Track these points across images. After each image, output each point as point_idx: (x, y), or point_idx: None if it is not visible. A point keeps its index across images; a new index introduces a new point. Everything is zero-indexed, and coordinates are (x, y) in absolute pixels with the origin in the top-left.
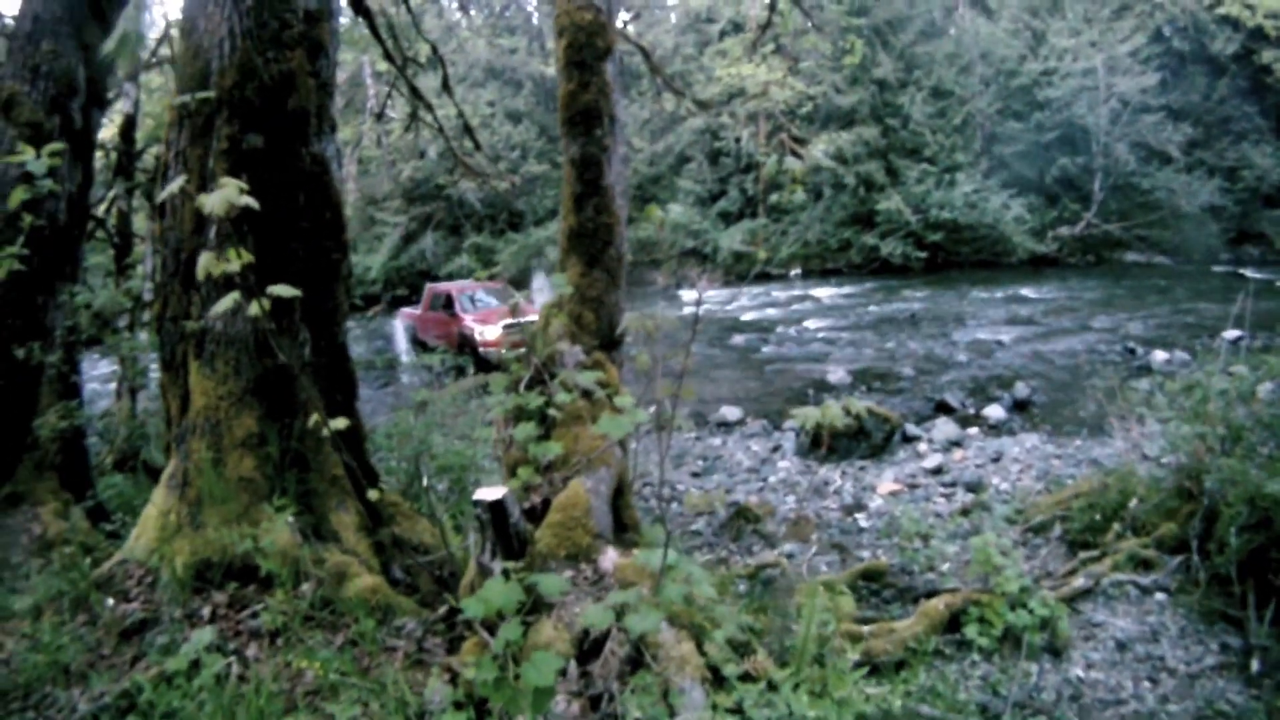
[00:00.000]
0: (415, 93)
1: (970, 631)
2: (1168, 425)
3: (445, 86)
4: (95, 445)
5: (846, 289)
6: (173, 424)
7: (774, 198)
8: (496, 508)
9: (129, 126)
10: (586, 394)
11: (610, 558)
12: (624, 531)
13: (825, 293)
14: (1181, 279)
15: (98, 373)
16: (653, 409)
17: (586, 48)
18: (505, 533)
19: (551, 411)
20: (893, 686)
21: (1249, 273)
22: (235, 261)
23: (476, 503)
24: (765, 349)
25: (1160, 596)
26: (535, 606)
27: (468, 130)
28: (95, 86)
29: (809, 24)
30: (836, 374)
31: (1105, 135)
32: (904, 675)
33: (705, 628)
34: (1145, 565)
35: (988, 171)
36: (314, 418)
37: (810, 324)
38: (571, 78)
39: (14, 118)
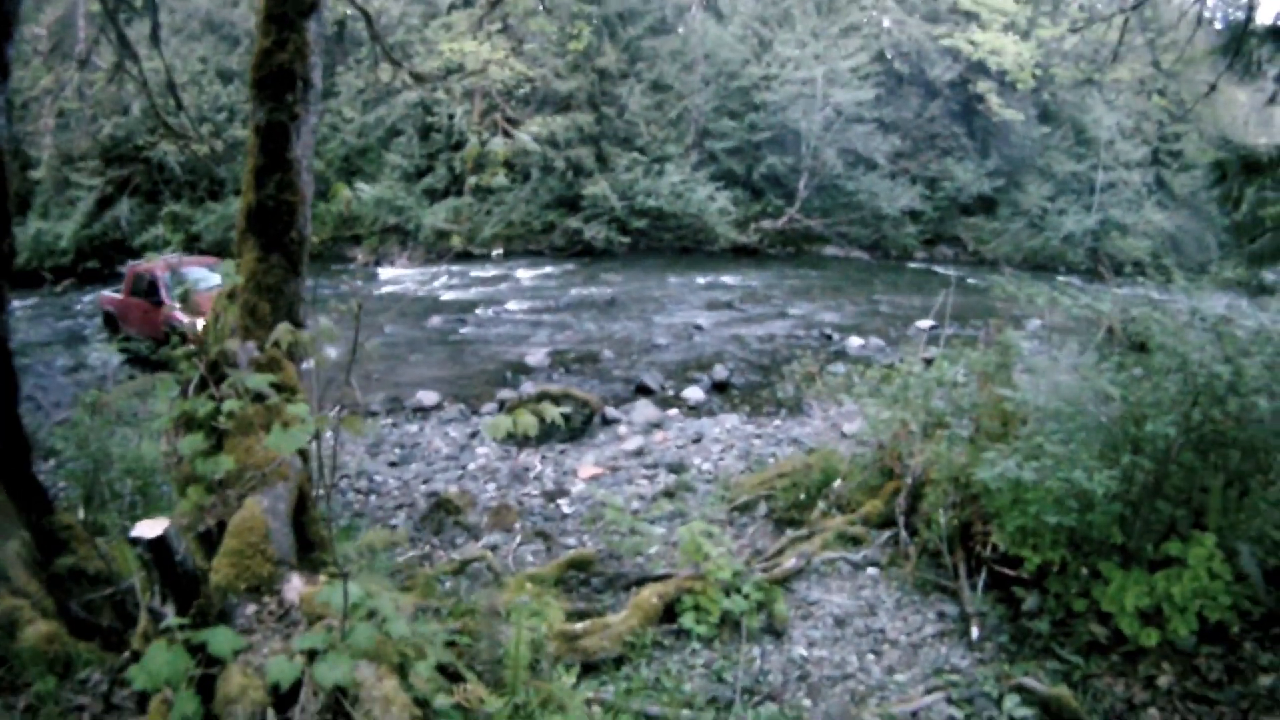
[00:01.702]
0: (123, 40)
1: (687, 620)
2: (868, 409)
3: (154, 37)
4: None
5: (548, 270)
6: None
7: (473, 179)
8: (158, 546)
9: None
10: (260, 397)
11: (295, 587)
12: (310, 551)
13: (527, 274)
14: (877, 273)
15: None
16: (334, 413)
17: (290, 1)
18: (172, 574)
19: (221, 420)
20: (615, 685)
21: (941, 270)
22: None
23: (134, 540)
24: (464, 330)
25: (872, 571)
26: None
27: (171, 88)
28: None
29: (540, 6)
30: (535, 356)
31: (816, 140)
32: (625, 671)
33: (408, 657)
34: (854, 542)
35: (698, 164)
36: None
37: (511, 305)
38: (269, 33)
39: None
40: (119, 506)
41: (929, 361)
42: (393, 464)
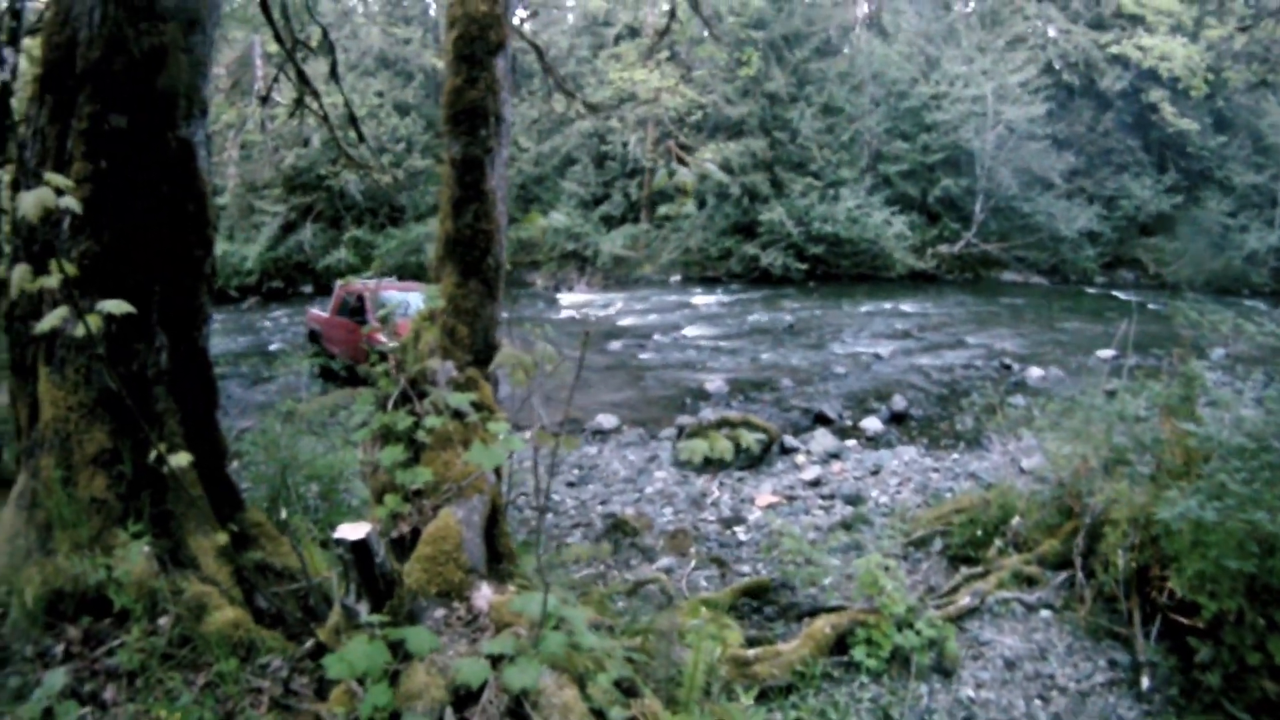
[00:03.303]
0: (302, 78)
1: (858, 653)
2: (1048, 444)
3: (333, 74)
4: None
5: (726, 297)
6: (22, 435)
7: (663, 209)
8: (359, 548)
9: (4, 95)
10: (459, 415)
11: (485, 595)
12: (499, 562)
13: (704, 300)
14: (1056, 299)
15: None
16: (528, 434)
17: (478, 41)
18: (370, 574)
19: (420, 434)
20: (783, 713)
21: (1123, 295)
22: (55, 275)
23: (338, 542)
24: (643, 355)
25: (1045, 614)
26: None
27: (352, 121)
28: None
29: (706, 33)
30: (714, 383)
31: (990, 159)
32: (793, 700)
33: (589, 669)
34: (1029, 582)
35: (872, 188)
36: (177, 455)
37: (689, 331)
38: (459, 72)
39: None
40: (300, 508)
41: (1111, 394)
42: (570, 484)
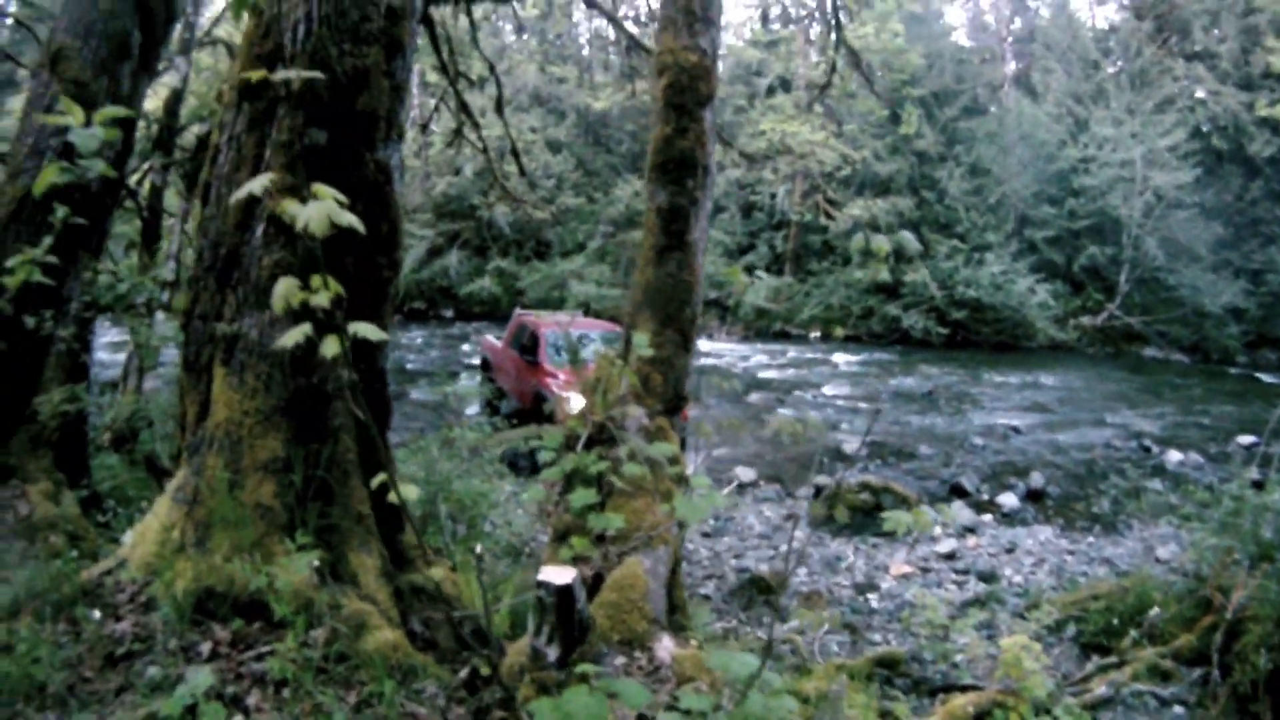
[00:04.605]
0: (464, 108)
1: None
2: (1195, 535)
3: (499, 107)
4: (95, 418)
5: (865, 357)
6: (187, 431)
7: (859, 274)
8: (563, 593)
9: (175, 100)
10: (650, 463)
11: (667, 646)
12: (673, 613)
13: (844, 359)
14: (1198, 379)
15: (107, 339)
16: (727, 491)
17: (689, 91)
18: (569, 620)
19: (614, 479)
20: None
21: (1266, 378)
22: (323, 293)
23: (541, 584)
24: (782, 410)
25: (1178, 710)
26: None
27: (514, 153)
28: (148, 54)
29: (860, 88)
30: (852, 444)
31: (1137, 228)
32: None
33: None
34: (1164, 677)
35: (1017, 253)
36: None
37: (828, 389)
38: (669, 121)
39: (61, 73)
40: (449, 532)
41: (1259, 484)
42: (706, 534)
